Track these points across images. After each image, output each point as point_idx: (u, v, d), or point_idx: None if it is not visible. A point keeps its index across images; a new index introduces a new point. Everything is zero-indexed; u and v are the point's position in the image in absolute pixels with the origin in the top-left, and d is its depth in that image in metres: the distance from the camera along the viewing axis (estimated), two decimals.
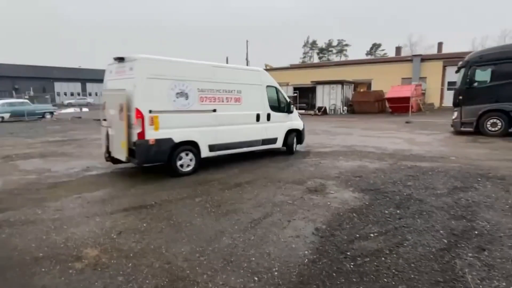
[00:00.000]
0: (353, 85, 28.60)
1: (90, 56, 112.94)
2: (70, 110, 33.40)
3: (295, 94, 25.35)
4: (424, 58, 29.94)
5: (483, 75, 11.92)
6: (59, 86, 54.08)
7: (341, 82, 25.59)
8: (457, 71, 13.28)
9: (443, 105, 27.46)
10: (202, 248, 3.48)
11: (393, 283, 2.77)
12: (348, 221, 4.14)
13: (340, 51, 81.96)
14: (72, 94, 54.99)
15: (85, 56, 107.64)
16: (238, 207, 4.74)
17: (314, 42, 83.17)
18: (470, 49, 45.15)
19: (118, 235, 3.83)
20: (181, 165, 6.68)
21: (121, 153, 6.29)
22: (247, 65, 68.84)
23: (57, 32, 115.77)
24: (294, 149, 9.19)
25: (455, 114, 12.60)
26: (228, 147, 7.54)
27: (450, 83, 26.58)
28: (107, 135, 6.64)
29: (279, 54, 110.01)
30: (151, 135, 6.08)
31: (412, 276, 2.87)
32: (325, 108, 25.20)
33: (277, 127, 8.67)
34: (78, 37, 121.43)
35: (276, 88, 8.70)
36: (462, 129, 12.30)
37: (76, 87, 56.24)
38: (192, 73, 6.82)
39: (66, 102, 47.85)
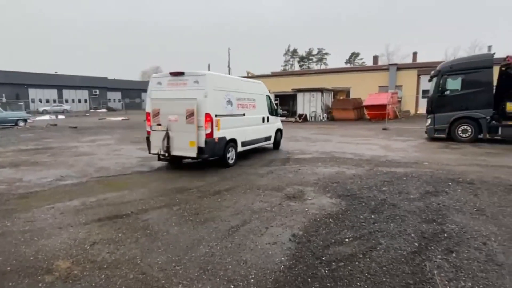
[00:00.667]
0: (332, 92, 29.20)
1: (67, 61, 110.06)
2: (46, 117, 32.36)
3: (276, 102, 25.57)
4: (400, 67, 31.02)
5: (454, 84, 12.48)
6: (33, 93, 52.28)
7: (321, 90, 26.08)
8: (429, 80, 13.84)
9: (418, 112, 28.46)
10: (179, 257, 3.45)
11: (366, 286, 2.84)
12: (324, 227, 4.21)
13: (320, 60, 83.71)
14: (47, 101, 53.22)
15: (62, 61, 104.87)
16: (217, 214, 4.73)
17: (295, 51, 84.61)
18: (443, 58, 47.20)
19: (91, 246, 3.74)
20: (229, 158, 8.24)
21: (189, 151, 7.44)
22: (229, 72, 69.14)
23: (33, 36, 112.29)
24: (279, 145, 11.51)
25: (429, 121, 13.09)
26: (250, 144, 9.41)
27: (424, 91, 27.64)
28: (167, 137, 7.54)
29: (261, 62, 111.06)
30: (216, 134, 7.64)
31: (384, 279, 2.95)
32: (306, 115, 25.57)
33: (271, 127, 10.87)
34: (54, 41, 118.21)
35: (269, 96, 10.95)
36: (435, 135, 12.78)
37: (52, 93, 54.53)
38: (233, 85, 8.61)
39: (41, 109, 46.27)
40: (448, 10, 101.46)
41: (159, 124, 7.71)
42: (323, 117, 25.97)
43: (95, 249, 3.67)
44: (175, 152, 7.60)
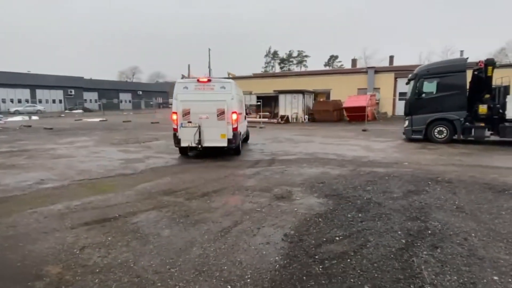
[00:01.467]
0: (313, 94, 29.63)
1: (41, 61, 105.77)
2: (18, 118, 30.99)
3: (259, 103, 25.72)
4: (378, 70, 31.89)
5: (430, 87, 12.99)
6: (4, 92, 49.83)
7: (302, 92, 26.40)
8: (407, 83, 14.34)
9: (395, 114, 29.34)
10: (172, 259, 3.43)
11: (359, 282, 2.94)
12: (314, 226, 4.30)
13: (300, 62, 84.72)
14: (19, 101, 50.87)
15: (35, 60, 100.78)
16: (207, 216, 4.73)
17: (275, 53, 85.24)
18: (418, 62, 48.96)
19: (81, 251, 3.65)
20: (239, 146, 10.38)
21: (220, 142, 9.36)
22: (209, 73, 68.55)
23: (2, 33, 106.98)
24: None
25: (406, 122, 13.56)
26: (242, 137, 11.24)
27: (401, 94, 28.56)
28: (199, 132, 9.22)
29: (242, 63, 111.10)
30: (239, 128, 9.85)
31: (376, 275, 3.07)
32: (288, 117, 25.81)
33: (245, 125, 12.82)
34: (28, 39, 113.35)
35: (243, 97, 13.27)
36: (413, 136, 13.26)
37: (25, 93, 52.16)
38: (239, 90, 10.99)
39: (12, 109, 44.18)
40: (421, 15, 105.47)
41: (190, 122, 9.27)
42: (304, 119, 26.30)
43: (85, 253, 3.59)
44: (206, 144, 9.37)
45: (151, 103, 45.15)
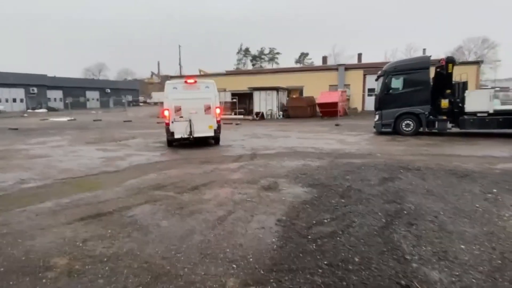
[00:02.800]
0: (287, 91, 30.23)
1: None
2: None
3: (234, 100, 25.90)
4: (348, 67, 33.08)
5: (397, 83, 13.86)
6: None
7: (276, 89, 26.89)
8: (376, 79, 15.16)
9: (365, 109, 30.63)
10: (176, 246, 3.64)
11: (350, 255, 3.32)
12: (303, 212, 4.66)
13: (272, 59, 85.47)
14: None
15: None
16: (201, 207, 4.95)
17: (247, 49, 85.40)
18: (384, 59, 51.17)
19: (83, 243, 3.76)
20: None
21: (208, 132, 11.14)
22: (180, 70, 67.41)
23: None
24: None
25: (377, 117, 14.37)
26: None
27: (369, 90, 29.87)
28: (190, 125, 10.72)
29: (213, 60, 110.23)
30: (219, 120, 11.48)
31: (363, 249, 3.46)
32: (263, 113, 26.21)
33: None
34: None
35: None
36: (383, 130, 14.07)
37: None
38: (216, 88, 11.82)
39: None
40: (386, 14, 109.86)
41: (181, 117, 10.81)
42: (279, 115, 26.84)
43: (88, 245, 3.71)
44: (197, 134, 10.93)
45: (123, 101, 43.83)
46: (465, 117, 12.60)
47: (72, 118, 28.89)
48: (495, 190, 5.48)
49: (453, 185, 5.89)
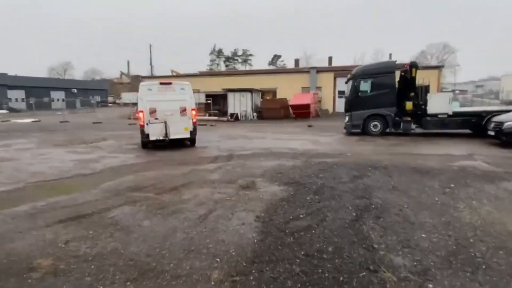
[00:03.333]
0: (261, 93, 30.61)
1: None
2: None
3: (209, 101, 25.90)
4: (319, 70, 33.98)
5: (366, 86, 14.55)
6: None
7: (250, 90, 27.17)
8: (346, 82, 15.84)
9: (335, 110, 31.63)
10: (160, 244, 3.77)
11: (324, 246, 3.62)
12: (280, 208, 4.92)
13: (245, 60, 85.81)
14: None
15: None
16: (182, 207, 5.08)
17: (220, 50, 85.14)
18: (353, 62, 53.01)
19: (66, 244, 3.79)
20: None
21: (184, 134, 11.12)
22: (151, 70, 65.94)
23: None
24: None
25: (347, 118, 15.01)
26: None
27: (340, 92, 30.87)
28: (166, 127, 10.69)
29: (185, 60, 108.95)
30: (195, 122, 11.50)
31: (336, 240, 3.78)
32: (237, 115, 26.38)
33: None
34: None
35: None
36: (353, 130, 14.73)
37: None
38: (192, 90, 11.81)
39: None
40: (355, 19, 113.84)
41: (157, 118, 10.69)
42: (253, 116, 27.12)
43: (71, 246, 3.75)
44: (173, 136, 10.88)
45: (92, 102, 42.30)
46: (428, 118, 13.49)
47: (37, 120, 27.58)
48: (452, 185, 6.03)
49: (416, 181, 6.40)
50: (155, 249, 3.64)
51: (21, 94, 55.97)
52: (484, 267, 3.19)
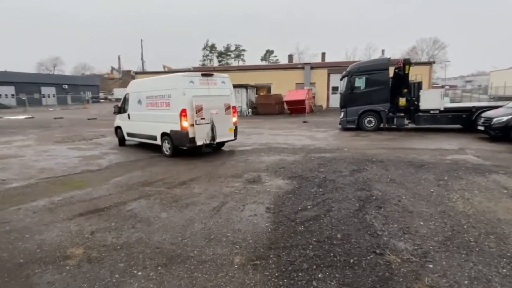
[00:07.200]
0: (255, 88, 30.84)
1: None
2: None
3: None
4: (313, 66, 34.34)
5: (360, 83, 14.94)
6: None
7: (246, 86, 27.39)
8: (341, 79, 16.21)
9: (329, 106, 32.09)
10: (181, 233, 4.07)
11: (333, 233, 3.96)
12: (288, 200, 5.25)
13: (238, 56, 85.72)
14: None
15: None
16: (194, 200, 5.37)
17: (213, 46, 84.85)
18: (345, 58, 53.50)
19: (92, 235, 4.06)
20: None
21: (229, 136, 9.54)
22: (142, 65, 65.15)
23: None
24: None
25: (342, 114, 15.39)
26: None
27: (333, 88, 31.34)
28: (212, 128, 8.91)
29: (178, 56, 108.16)
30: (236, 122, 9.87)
31: (343, 228, 4.12)
32: None
33: None
34: None
35: None
36: (348, 126, 15.13)
37: None
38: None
39: None
40: (346, 14, 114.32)
41: (203, 118, 8.83)
42: (248, 112, 27.38)
43: (97, 236, 4.02)
44: (219, 139, 9.20)
45: (86, 98, 41.91)
46: (420, 114, 13.95)
47: (30, 116, 27.39)
48: (446, 178, 6.44)
49: (411, 174, 6.79)
50: (177, 238, 3.94)
51: (11, 90, 55.06)
52: (477, 249, 3.56)
